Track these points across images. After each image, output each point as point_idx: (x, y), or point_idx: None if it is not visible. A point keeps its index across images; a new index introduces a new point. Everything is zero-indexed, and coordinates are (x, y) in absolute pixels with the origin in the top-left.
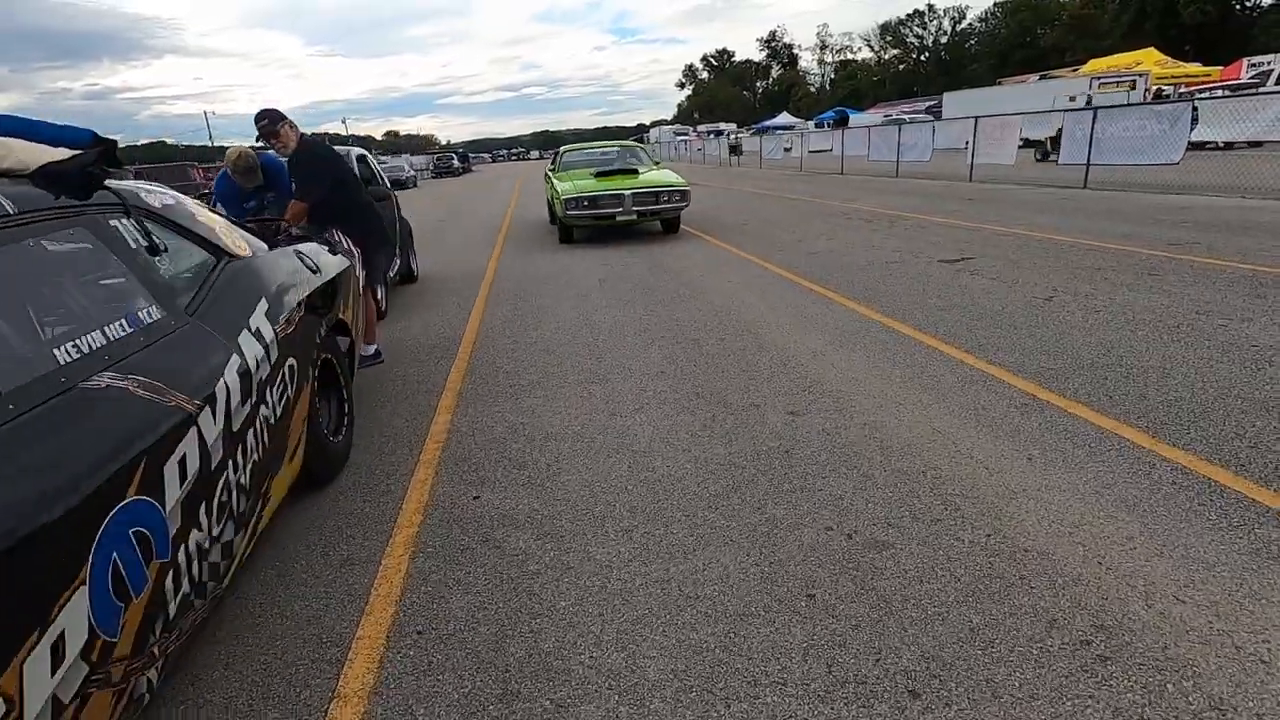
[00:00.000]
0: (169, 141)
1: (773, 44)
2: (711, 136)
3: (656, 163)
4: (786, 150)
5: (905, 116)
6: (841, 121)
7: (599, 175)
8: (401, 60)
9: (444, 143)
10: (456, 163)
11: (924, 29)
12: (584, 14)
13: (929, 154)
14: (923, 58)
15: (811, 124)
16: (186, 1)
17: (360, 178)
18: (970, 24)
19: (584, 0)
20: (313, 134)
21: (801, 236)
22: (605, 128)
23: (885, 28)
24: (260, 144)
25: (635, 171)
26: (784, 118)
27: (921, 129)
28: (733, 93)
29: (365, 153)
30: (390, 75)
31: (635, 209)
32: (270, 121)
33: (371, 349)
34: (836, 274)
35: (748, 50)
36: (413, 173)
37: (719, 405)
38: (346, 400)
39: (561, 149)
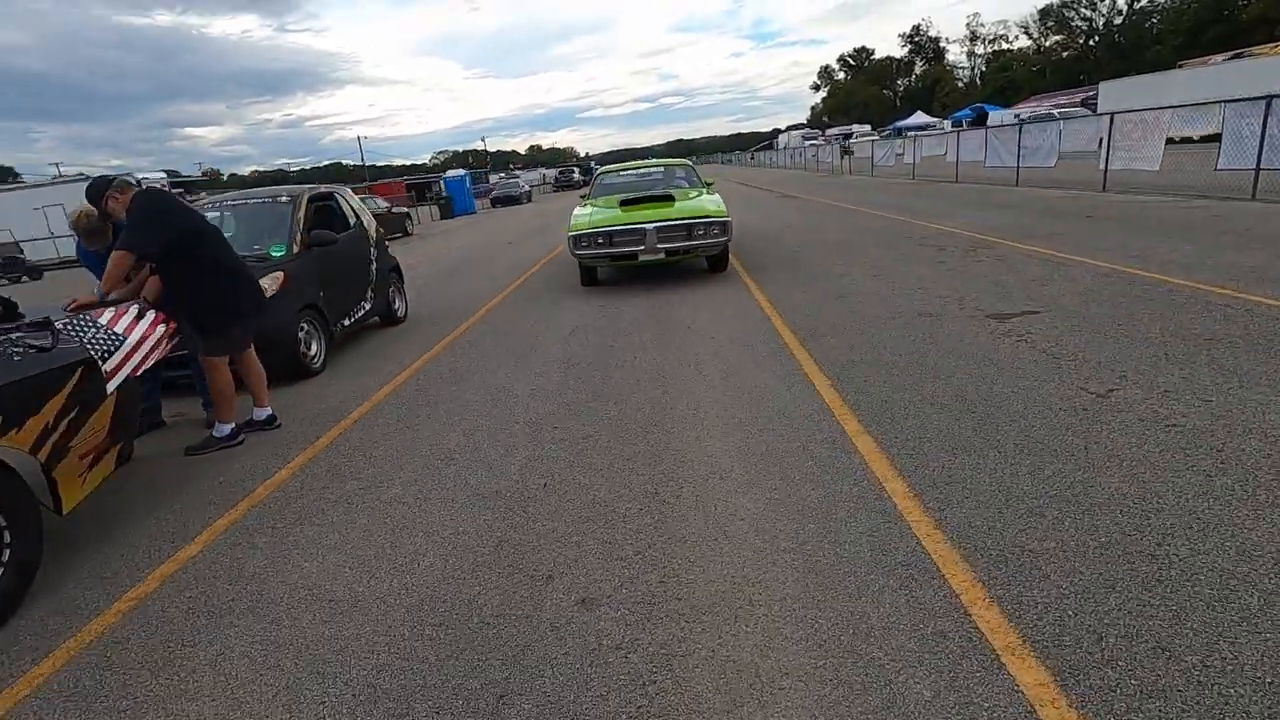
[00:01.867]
0: (344, 163)
1: (916, 38)
2: (840, 140)
3: (708, 184)
4: (899, 155)
5: (1055, 112)
6: (979, 120)
7: (625, 204)
8: (547, 78)
9: (582, 155)
10: (578, 175)
11: (1093, 9)
12: (722, 21)
13: (1053, 159)
14: (1092, 42)
15: (948, 123)
16: (364, 36)
17: (301, 223)
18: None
19: (721, 8)
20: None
21: (847, 270)
22: (739, 134)
23: (1046, 11)
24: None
25: (669, 199)
26: (918, 117)
27: (1046, 130)
28: (870, 92)
29: (334, 191)
30: (536, 92)
31: (662, 246)
32: (96, 195)
33: (265, 413)
34: (845, 335)
35: (889, 47)
36: (526, 188)
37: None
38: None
39: (598, 170)
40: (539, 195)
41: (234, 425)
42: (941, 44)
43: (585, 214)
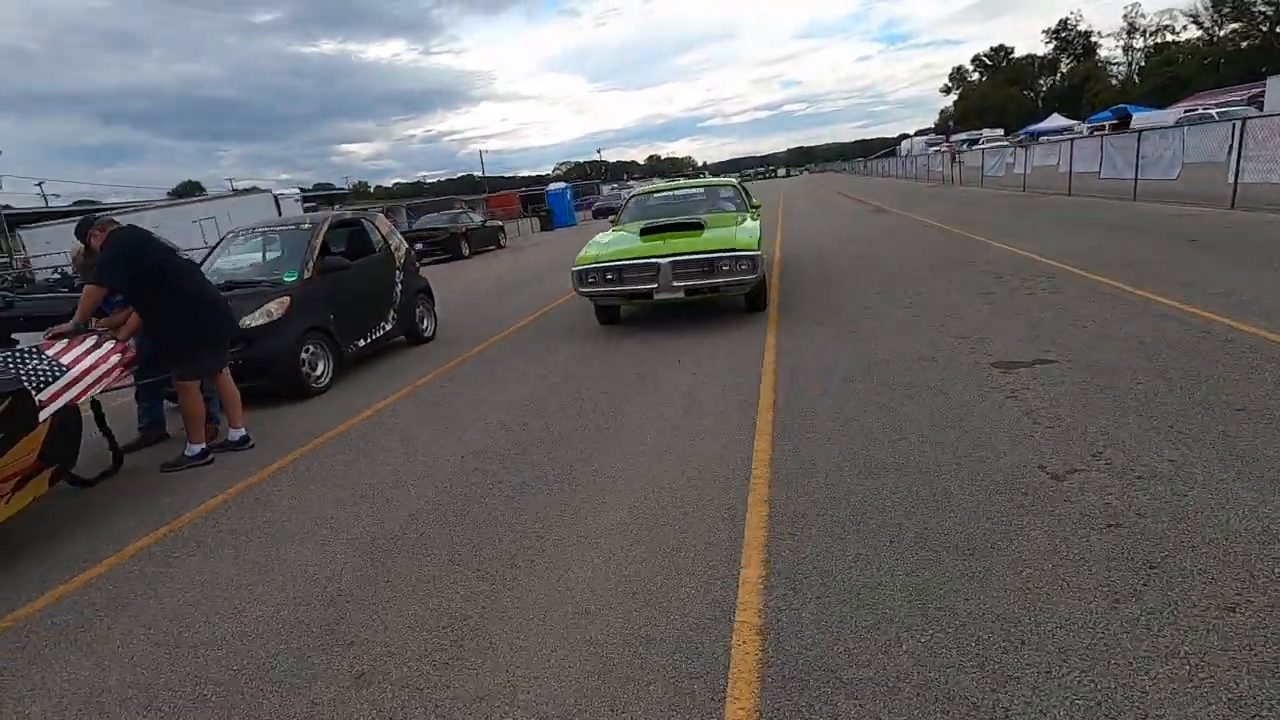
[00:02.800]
0: (475, 174)
1: (1063, 34)
2: (965, 146)
3: (755, 206)
4: (1009, 165)
5: (1214, 113)
6: (1122, 123)
7: (647, 232)
8: (668, 88)
9: (700, 164)
10: None
11: None
12: (848, 25)
13: (1175, 169)
14: (1279, 29)
15: (1085, 127)
16: (499, 55)
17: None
18: None
19: (848, 11)
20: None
21: (882, 301)
22: (864, 140)
23: None
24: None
25: (698, 228)
26: (1053, 120)
27: (1168, 137)
28: (1007, 94)
29: (361, 217)
30: (658, 103)
31: (680, 284)
32: (81, 233)
33: (239, 434)
34: (829, 379)
35: (1030, 45)
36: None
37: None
38: None
39: (634, 190)
40: None
41: (204, 445)
42: (1093, 38)
43: (598, 244)
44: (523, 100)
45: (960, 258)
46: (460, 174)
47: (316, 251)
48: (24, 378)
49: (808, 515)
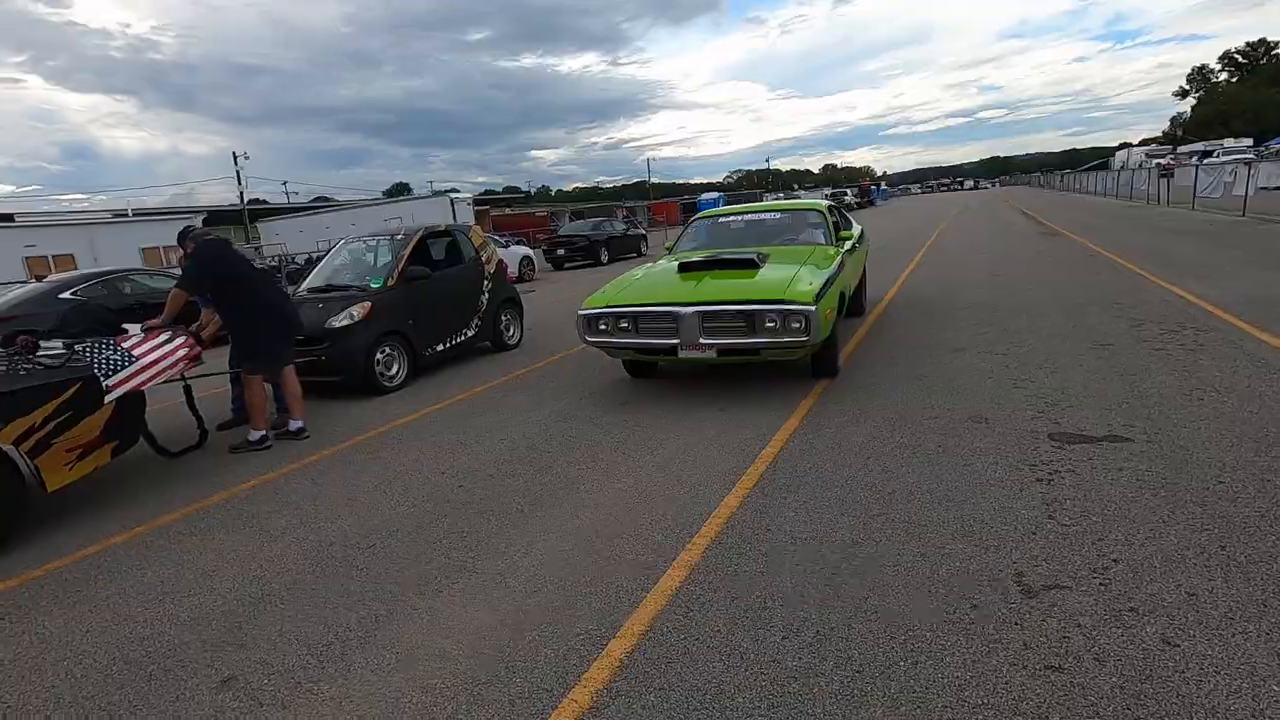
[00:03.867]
0: (652, 180)
1: None
2: (1195, 159)
3: (846, 237)
4: (1227, 184)
5: None
6: None
7: (687, 268)
8: (851, 95)
9: (880, 174)
10: (850, 197)
11: None
12: (1064, 24)
13: None
14: None
15: None
16: (682, 64)
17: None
18: None
19: (1063, 8)
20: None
21: (973, 345)
22: (1074, 149)
23: None
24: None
25: (752, 266)
26: None
27: None
28: (1266, 96)
29: (454, 229)
30: (838, 110)
31: (709, 342)
32: (180, 241)
33: (297, 424)
34: (852, 435)
35: None
36: None
37: None
38: None
39: (700, 212)
40: None
41: (264, 432)
42: None
43: (622, 281)
44: (701, 109)
45: (1107, 296)
46: (636, 179)
47: (403, 261)
48: (96, 366)
49: (708, 605)
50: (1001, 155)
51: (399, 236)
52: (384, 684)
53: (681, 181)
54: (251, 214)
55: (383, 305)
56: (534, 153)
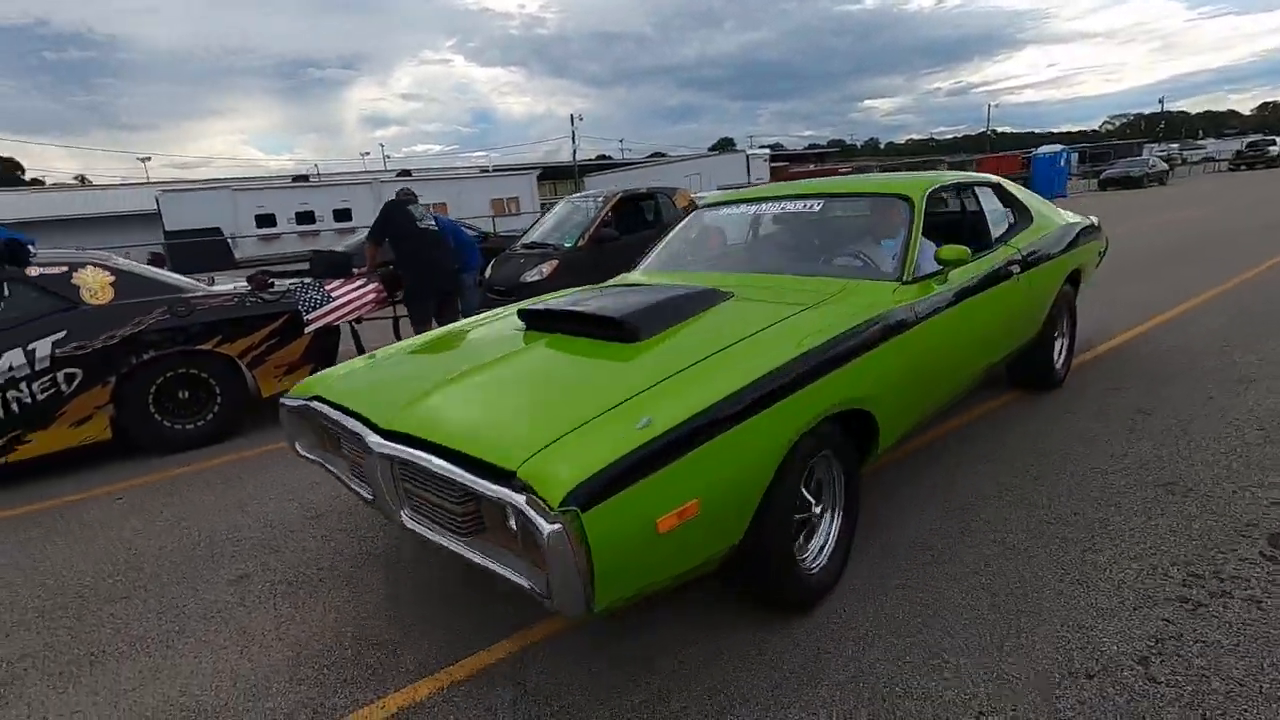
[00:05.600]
0: (998, 130)
1: None
2: None
3: (955, 260)
4: None
5: None
6: None
7: (533, 325)
8: None
9: None
10: (1277, 147)
11: None
12: None
13: None
14: None
15: None
16: None
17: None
18: None
19: None
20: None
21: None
22: None
23: None
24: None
25: (635, 340)
26: None
27: None
28: None
29: (655, 191)
30: None
31: (410, 516)
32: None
33: None
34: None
35: None
36: (1160, 167)
37: None
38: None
39: (705, 198)
40: (1201, 175)
41: None
42: None
43: (387, 351)
44: (1083, 40)
45: None
46: (979, 129)
47: (595, 224)
48: (300, 303)
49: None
50: None
51: (598, 199)
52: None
53: (1040, 131)
54: (581, 169)
55: (568, 264)
56: (867, 102)
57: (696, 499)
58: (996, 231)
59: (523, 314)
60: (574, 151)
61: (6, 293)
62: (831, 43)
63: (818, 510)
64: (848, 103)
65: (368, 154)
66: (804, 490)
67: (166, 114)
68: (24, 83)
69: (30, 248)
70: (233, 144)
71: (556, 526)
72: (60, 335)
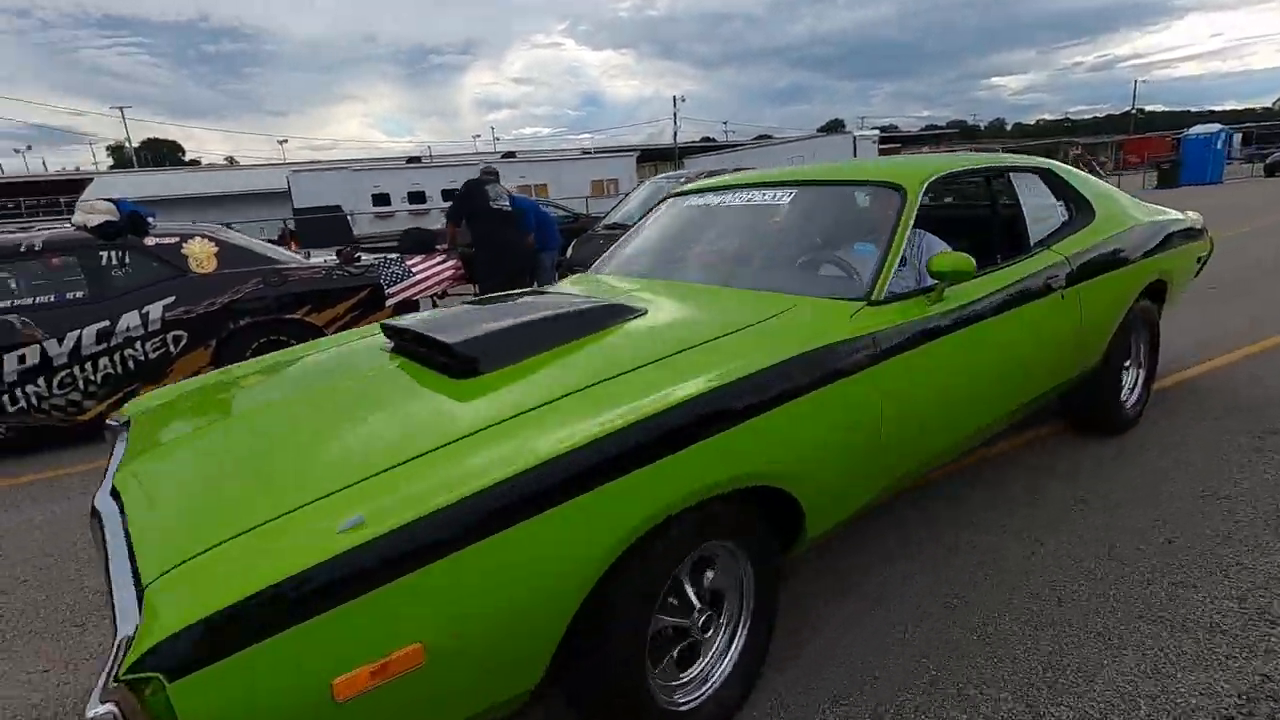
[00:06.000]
0: (1148, 109)
1: None
2: None
3: (957, 273)
4: None
5: None
6: None
7: (402, 343)
8: None
9: None
10: None
11: None
12: None
13: None
14: None
15: None
16: None
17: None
18: None
19: None
20: None
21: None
22: None
23: None
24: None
25: (463, 370)
26: None
27: None
28: None
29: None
30: None
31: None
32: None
33: None
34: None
35: None
36: None
37: None
38: None
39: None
40: None
41: None
42: None
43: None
44: (1255, 5)
45: None
46: (1124, 109)
47: None
48: (382, 277)
49: None
50: None
51: (683, 180)
52: None
53: (1198, 110)
54: (682, 151)
55: None
56: (992, 80)
57: (419, 643)
58: (1038, 232)
59: (385, 329)
60: (675, 133)
61: (128, 260)
62: (954, 17)
63: (700, 622)
64: (966, 81)
65: (479, 136)
66: (689, 591)
67: (304, 99)
68: (187, 72)
69: (150, 220)
70: (360, 127)
71: (106, 709)
72: (170, 300)
